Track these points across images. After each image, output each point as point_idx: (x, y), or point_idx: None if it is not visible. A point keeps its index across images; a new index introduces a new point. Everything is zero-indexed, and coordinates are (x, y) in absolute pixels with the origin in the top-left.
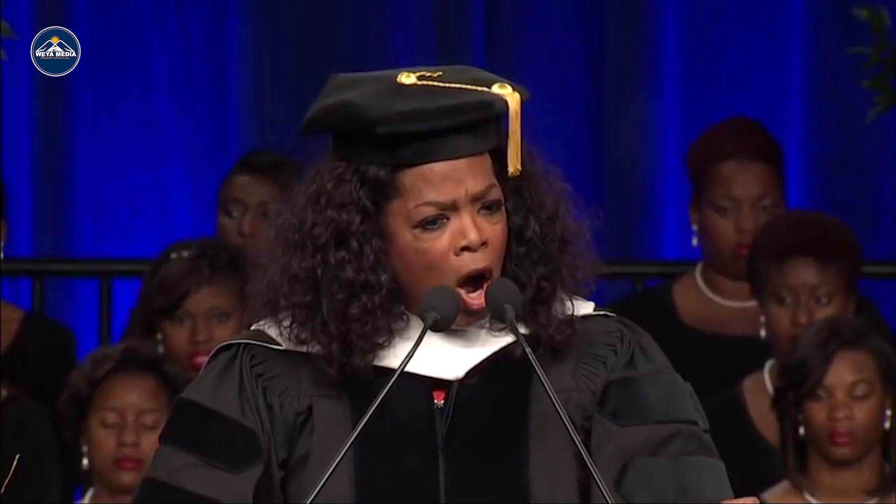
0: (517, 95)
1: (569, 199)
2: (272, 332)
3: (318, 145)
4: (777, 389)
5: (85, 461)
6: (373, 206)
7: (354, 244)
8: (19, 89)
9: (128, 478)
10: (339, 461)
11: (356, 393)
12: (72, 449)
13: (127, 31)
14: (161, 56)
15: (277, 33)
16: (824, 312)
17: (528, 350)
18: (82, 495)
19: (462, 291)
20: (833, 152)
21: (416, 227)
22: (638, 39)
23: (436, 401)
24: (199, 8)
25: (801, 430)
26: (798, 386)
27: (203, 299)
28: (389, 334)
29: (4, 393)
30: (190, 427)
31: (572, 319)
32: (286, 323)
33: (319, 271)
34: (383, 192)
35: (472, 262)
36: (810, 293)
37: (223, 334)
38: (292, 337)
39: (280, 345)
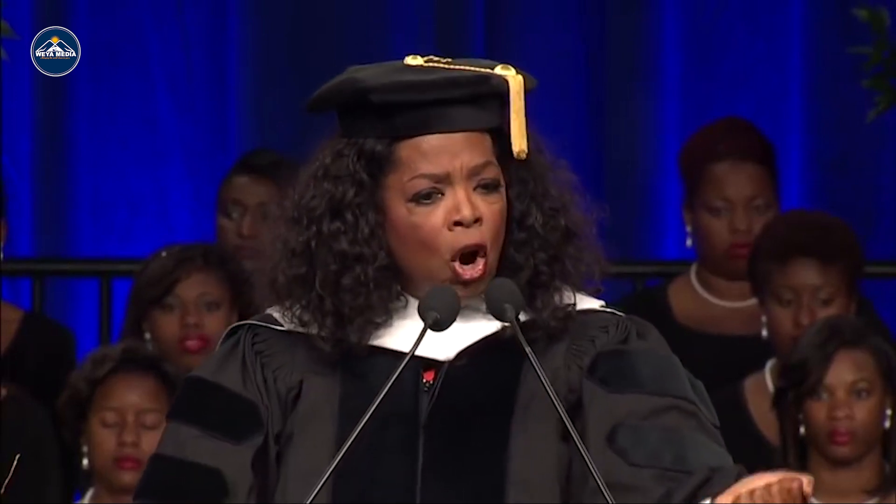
0: (520, 77)
1: (576, 193)
2: (277, 315)
3: (316, 147)
4: (777, 389)
5: (85, 461)
6: (369, 178)
7: (349, 216)
8: (19, 89)
9: (128, 478)
10: (336, 459)
11: (348, 371)
12: (72, 449)
13: (127, 31)
14: (161, 56)
15: (277, 33)
16: (826, 313)
17: (526, 347)
18: (82, 495)
19: (455, 264)
20: (833, 152)
21: (410, 200)
22: (638, 39)
23: (425, 380)
24: (199, 8)
25: (802, 430)
26: (798, 385)
27: (193, 286)
28: (387, 314)
29: (4, 393)
30: (193, 401)
31: (569, 307)
32: (288, 304)
33: (313, 243)
34: (380, 166)
35: (465, 238)
36: (812, 294)
37: (213, 322)
38: (294, 319)
39: (282, 325)
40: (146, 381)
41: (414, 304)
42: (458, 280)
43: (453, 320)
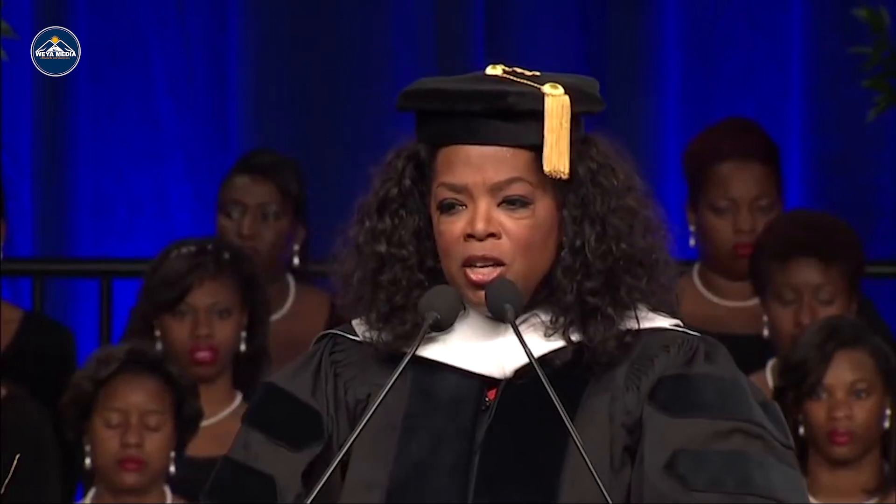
0: (563, 98)
1: (646, 221)
2: (357, 325)
3: (316, 147)
4: (777, 389)
5: (88, 461)
6: (411, 182)
7: (388, 216)
8: (19, 89)
9: (131, 478)
10: (341, 460)
11: (416, 386)
12: (74, 448)
13: (127, 31)
14: (161, 56)
15: (277, 33)
16: (827, 312)
17: (532, 358)
18: (83, 495)
19: (466, 269)
20: (833, 152)
21: (437, 208)
22: (638, 39)
23: (488, 399)
24: (199, 8)
25: (801, 430)
26: (797, 385)
27: (206, 294)
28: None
29: (4, 392)
30: (264, 406)
31: (624, 335)
32: (351, 299)
33: (360, 239)
34: (423, 171)
35: (472, 249)
36: (813, 293)
37: (224, 330)
38: (365, 326)
39: (359, 336)
40: (150, 383)
41: (474, 315)
42: (469, 283)
43: (454, 320)
